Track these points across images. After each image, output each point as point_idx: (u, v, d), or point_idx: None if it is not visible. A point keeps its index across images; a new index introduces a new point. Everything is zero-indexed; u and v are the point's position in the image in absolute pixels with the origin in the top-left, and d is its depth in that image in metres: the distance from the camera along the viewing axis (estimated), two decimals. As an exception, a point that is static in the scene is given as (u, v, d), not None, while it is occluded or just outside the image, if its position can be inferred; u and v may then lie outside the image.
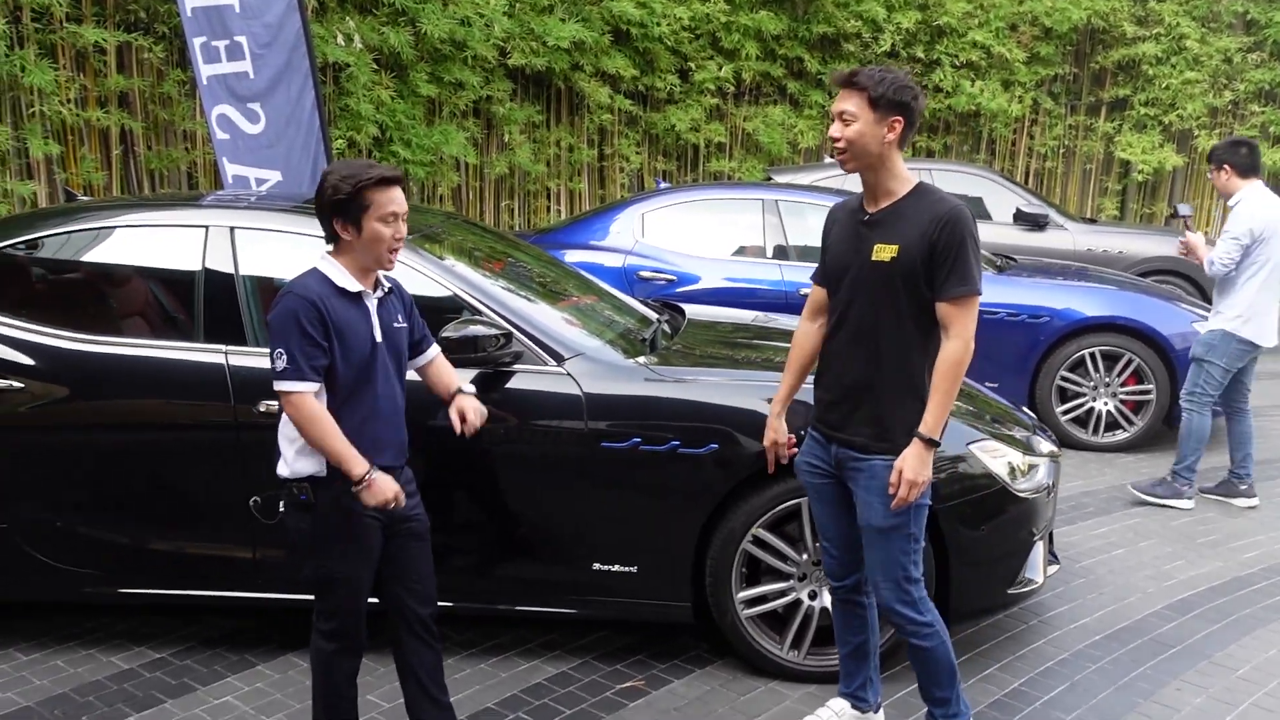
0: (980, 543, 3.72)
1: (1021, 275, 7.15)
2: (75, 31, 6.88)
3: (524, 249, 4.91)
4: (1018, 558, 3.84)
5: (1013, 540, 3.79)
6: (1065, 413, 6.74)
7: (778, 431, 3.32)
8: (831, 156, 11.54)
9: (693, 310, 4.90)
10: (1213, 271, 5.52)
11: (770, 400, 3.38)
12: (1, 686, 3.64)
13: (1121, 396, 6.68)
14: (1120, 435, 6.71)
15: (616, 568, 3.70)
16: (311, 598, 3.07)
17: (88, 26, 6.98)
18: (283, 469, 2.90)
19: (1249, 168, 5.51)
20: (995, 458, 3.74)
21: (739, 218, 7.05)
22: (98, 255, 4.01)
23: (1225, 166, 5.54)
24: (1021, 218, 9.32)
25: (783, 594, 3.73)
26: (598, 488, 3.66)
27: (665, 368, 3.80)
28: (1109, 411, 6.71)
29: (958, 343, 2.90)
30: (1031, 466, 3.87)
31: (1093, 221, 10.53)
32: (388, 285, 3.02)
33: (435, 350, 3.24)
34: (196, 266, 3.79)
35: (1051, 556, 4.20)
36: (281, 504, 2.96)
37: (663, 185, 8.18)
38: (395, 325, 2.99)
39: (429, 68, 9.11)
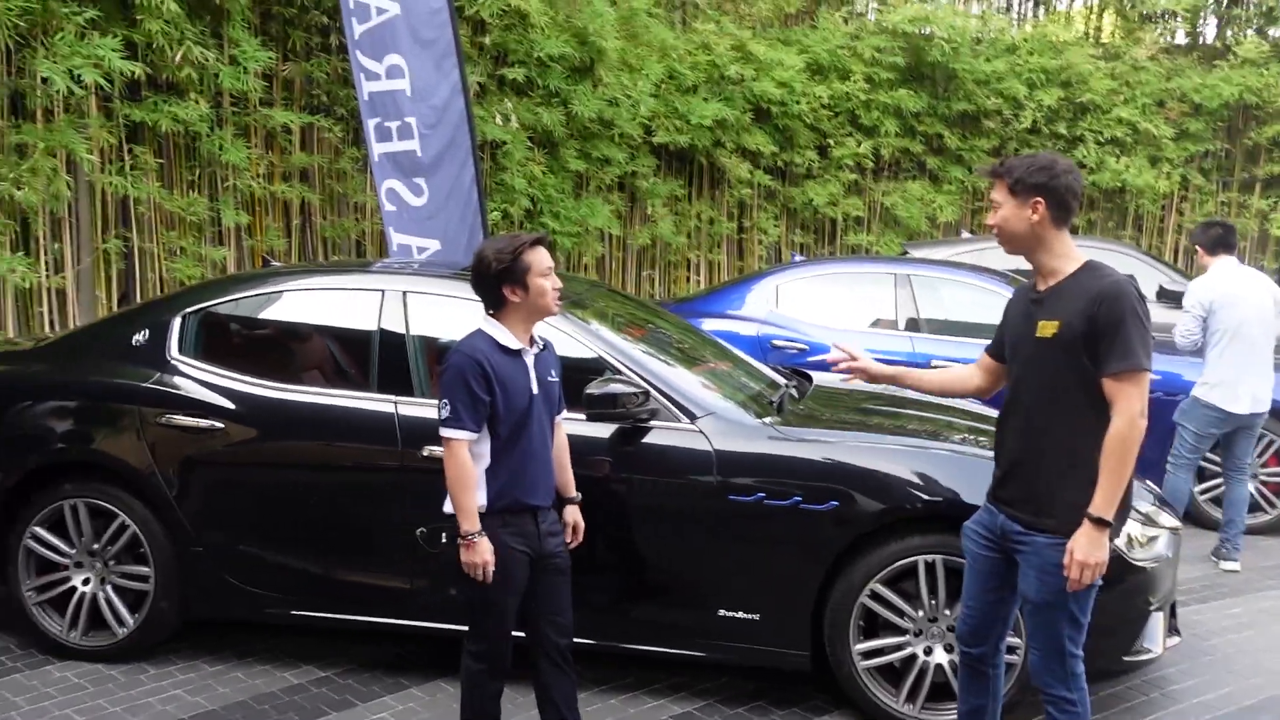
0: (1095, 609, 3.81)
1: (1161, 353, 7.11)
2: (267, 114, 7.66)
3: (663, 316, 5.26)
4: (1134, 625, 3.93)
5: (1129, 608, 3.88)
6: (1204, 492, 6.66)
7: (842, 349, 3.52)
8: (971, 232, 11.61)
9: (821, 377, 5.14)
10: (1179, 345, 6.03)
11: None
12: (191, 692, 4.11)
13: (1262, 478, 6.57)
14: (1261, 517, 6.59)
15: (740, 614, 3.95)
16: (459, 626, 3.43)
17: (278, 109, 7.75)
18: (448, 506, 3.28)
19: (1215, 245, 5.99)
20: (1112, 526, 3.84)
21: (871, 290, 7.27)
22: (288, 314, 4.55)
23: (1197, 247, 6.12)
24: (1165, 295, 9.22)
25: (899, 648, 3.91)
26: (725, 538, 3.93)
27: (789, 428, 4.07)
28: (1250, 492, 6.59)
29: (1121, 420, 2.91)
30: (1151, 538, 3.97)
31: (1241, 300, 10.30)
32: (542, 343, 3.40)
33: (560, 416, 3.55)
34: (373, 325, 4.26)
35: (1172, 629, 4.25)
36: (444, 536, 3.34)
37: (797, 258, 8.47)
38: (549, 379, 3.37)
39: (578, 144, 9.68)
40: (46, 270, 6.80)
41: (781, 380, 4.90)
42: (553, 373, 3.40)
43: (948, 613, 3.85)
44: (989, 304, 6.86)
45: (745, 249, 11.97)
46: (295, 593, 4.23)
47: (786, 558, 3.91)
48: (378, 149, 7.14)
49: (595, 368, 4.07)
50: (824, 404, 4.61)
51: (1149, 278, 9.48)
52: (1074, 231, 12.64)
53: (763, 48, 11.11)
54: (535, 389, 3.29)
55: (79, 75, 6.22)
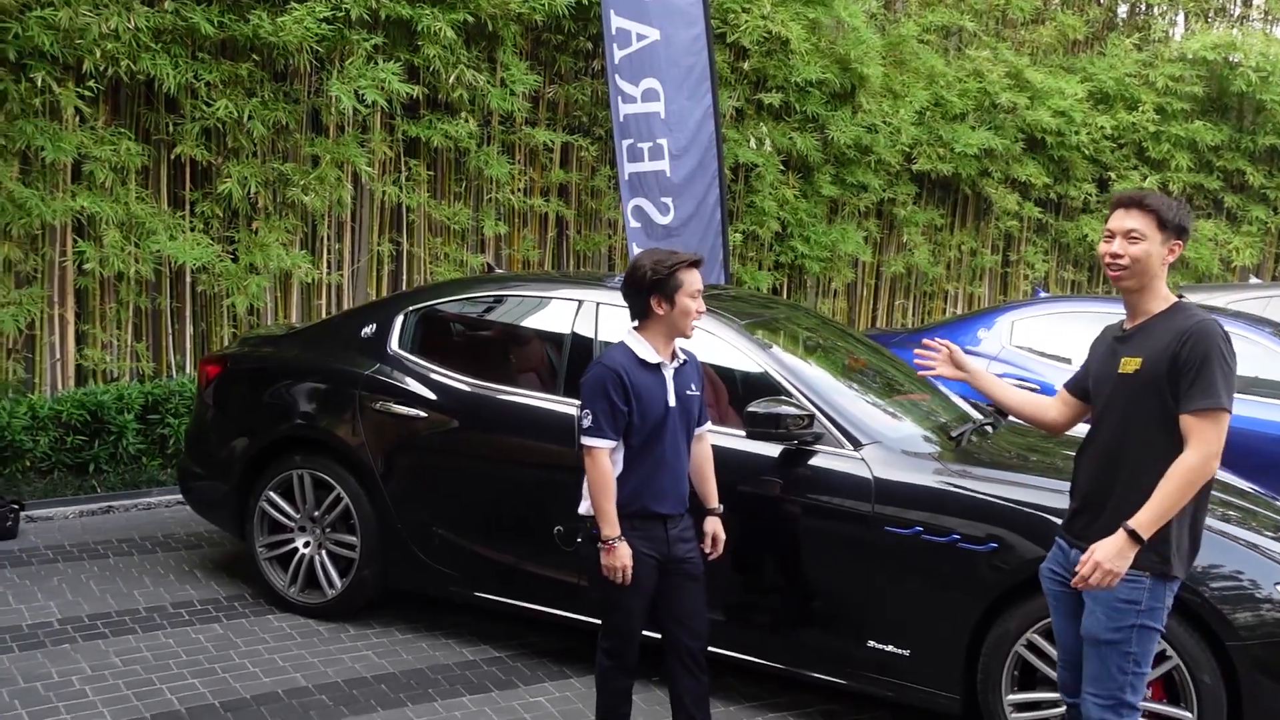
0: (1284, 694, 3.48)
1: None
2: (530, 133, 8.21)
3: (865, 344, 5.22)
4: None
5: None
6: None
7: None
8: (1274, 279, 10.64)
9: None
10: None
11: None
12: (379, 654, 4.52)
13: None
14: None
15: (890, 648, 3.89)
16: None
17: (540, 129, 8.29)
18: (582, 508, 3.47)
19: None
20: (1313, 604, 3.49)
21: (1115, 331, 6.82)
22: (493, 317, 4.92)
23: None
24: None
25: (1055, 704, 3.70)
26: (878, 569, 3.89)
27: (957, 464, 3.96)
28: None
29: (1195, 453, 2.87)
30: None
31: None
32: (684, 357, 3.52)
33: (704, 429, 3.65)
34: (566, 331, 4.53)
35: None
36: (579, 537, 3.53)
37: (1042, 294, 8.07)
38: (689, 392, 3.48)
39: (833, 170, 9.66)
40: (327, 268, 7.64)
41: (976, 416, 4.75)
42: (692, 386, 3.51)
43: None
44: (1254, 357, 6.29)
45: (1010, 283, 11.48)
46: (477, 575, 4.56)
47: (941, 596, 3.81)
48: (628, 168, 7.52)
49: (765, 385, 4.13)
50: (1008, 443, 4.43)
51: None
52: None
53: (1040, 75, 10.62)
54: (672, 402, 3.41)
55: (364, 95, 6.96)
